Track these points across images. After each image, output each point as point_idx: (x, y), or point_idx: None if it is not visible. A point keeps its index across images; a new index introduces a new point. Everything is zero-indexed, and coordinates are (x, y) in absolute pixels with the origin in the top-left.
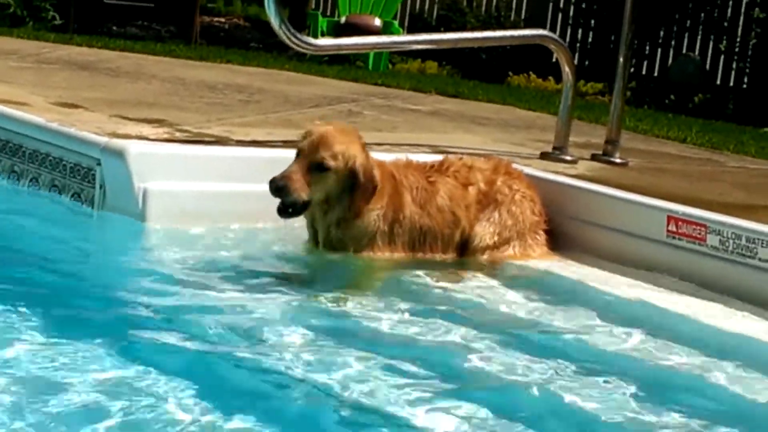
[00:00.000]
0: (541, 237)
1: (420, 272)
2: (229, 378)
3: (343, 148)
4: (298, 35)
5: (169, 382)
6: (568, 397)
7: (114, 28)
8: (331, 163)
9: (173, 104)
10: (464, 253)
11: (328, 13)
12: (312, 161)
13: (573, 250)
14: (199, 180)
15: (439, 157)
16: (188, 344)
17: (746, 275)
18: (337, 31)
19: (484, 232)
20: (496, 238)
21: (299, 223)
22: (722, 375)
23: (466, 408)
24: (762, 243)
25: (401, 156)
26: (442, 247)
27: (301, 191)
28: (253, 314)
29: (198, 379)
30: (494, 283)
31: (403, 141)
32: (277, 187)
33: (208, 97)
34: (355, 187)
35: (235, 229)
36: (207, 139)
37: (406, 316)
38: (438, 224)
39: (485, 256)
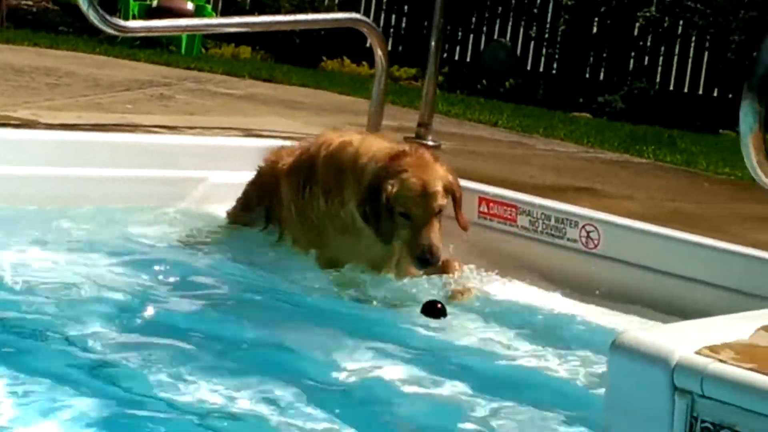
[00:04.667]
0: None
1: None
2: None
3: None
4: (108, 17)
5: None
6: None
7: None
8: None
9: None
10: None
11: None
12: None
13: None
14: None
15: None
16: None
17: (555, 255)
18: (150, 15)
19: None
20: None
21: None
22: (513, 345)
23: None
24: (570, 223)
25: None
26: None
27: None
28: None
29: None
30: None
31: (216, 125)
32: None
33: (14, 80)
34: None
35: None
36: (13, 122)
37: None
38: None
39: None
